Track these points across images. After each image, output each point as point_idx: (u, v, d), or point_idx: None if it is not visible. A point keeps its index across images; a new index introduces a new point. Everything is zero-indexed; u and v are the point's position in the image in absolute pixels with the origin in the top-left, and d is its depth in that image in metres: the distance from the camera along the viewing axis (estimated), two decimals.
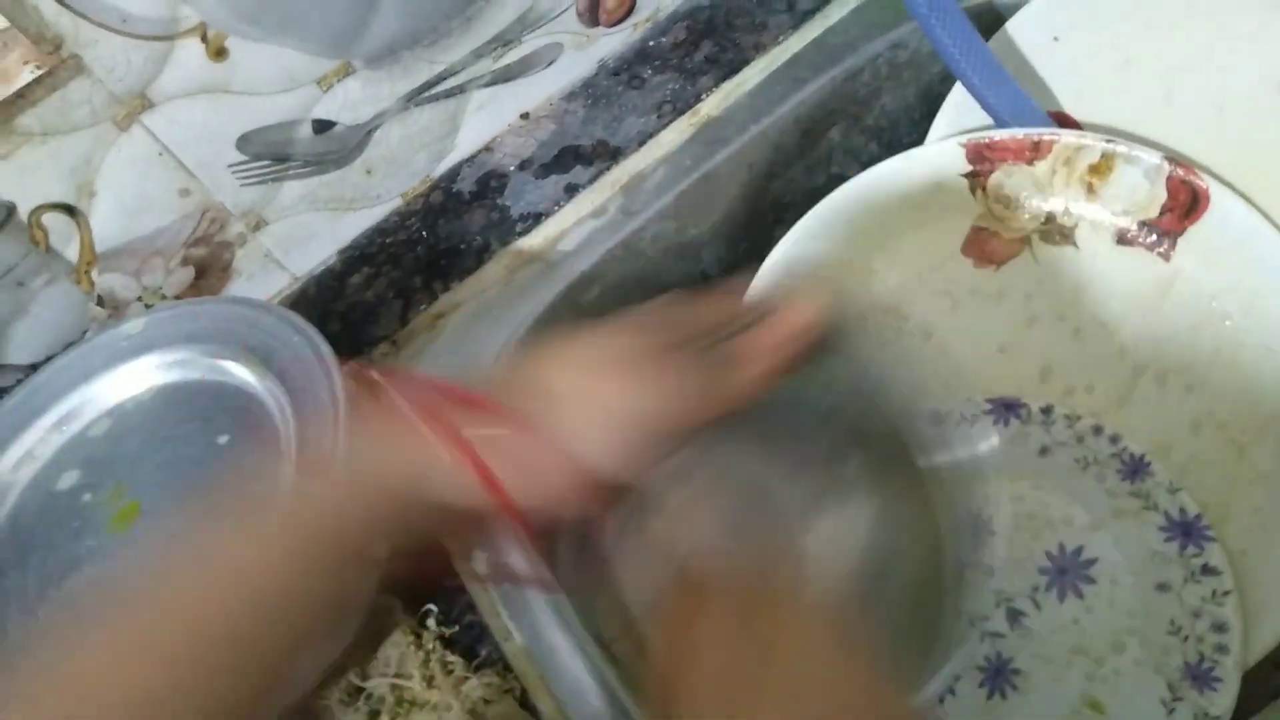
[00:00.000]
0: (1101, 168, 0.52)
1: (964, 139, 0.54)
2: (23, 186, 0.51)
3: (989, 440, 0.52)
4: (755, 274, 0.56)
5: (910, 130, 0.67)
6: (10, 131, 0.48)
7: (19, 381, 0.56)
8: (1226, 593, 0.46)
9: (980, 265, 0.56)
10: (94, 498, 0.47)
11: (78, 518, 0.46)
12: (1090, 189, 0.53)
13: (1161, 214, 0.51)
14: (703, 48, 0.67)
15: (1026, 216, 0.55)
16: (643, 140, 0.64)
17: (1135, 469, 0.50)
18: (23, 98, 0.48)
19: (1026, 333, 0.54)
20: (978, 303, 0.56)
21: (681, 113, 0.64)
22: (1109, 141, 0.51)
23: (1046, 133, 0.52)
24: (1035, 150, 0.53)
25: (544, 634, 0.48)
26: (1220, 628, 0.46)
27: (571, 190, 0.63)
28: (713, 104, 0.64)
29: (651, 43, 0.68)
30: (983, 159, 0.54)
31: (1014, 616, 0.50)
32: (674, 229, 0.63)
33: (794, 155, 0.66)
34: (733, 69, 0.65)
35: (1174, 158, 0.50)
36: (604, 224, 0.62)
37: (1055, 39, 0.56)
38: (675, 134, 0.64)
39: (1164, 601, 0.47)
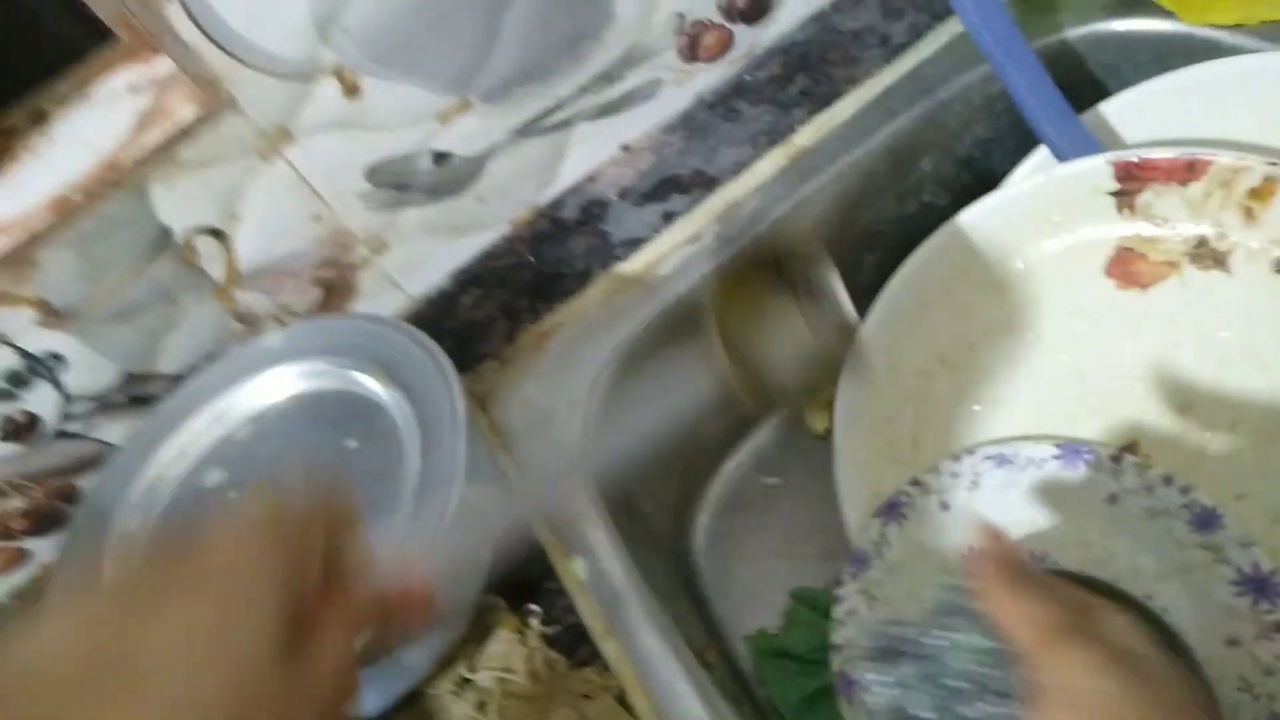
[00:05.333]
0: (1263, 191, 0.49)
1: (1112, 157, 0.52)
2: (178, 212, 0.56)
3: (1056, 485, 0.52)
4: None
5: (1003, 160, 0.68)
6: (171, 163, 0.54)
7: (165, 390, 0.62)
8: None
9: (1124, 287, 0.54)
10: (239, 495, 0.51)
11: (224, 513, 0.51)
12: (1249, 214, 0.50)
13: None
14: (797, 81, 0.69)
15: (1177, 239, 0.53)
16: (738, 170, 0.66)
17: (1206, 520, 0.48)
18: (183, 132, 0.53)
19: (1169, 359, 0.53)
20: (1118, 325, 0.54)
21: (776, 143, 0.67)
22: (1272, 164, 0.48)
23: (1203, 153, 0.50)
24: (1189, 171, 0.50)
25: (639, 638, 0.51)
26: None
27: (669, 218, 0.66)
28: (806, 135, 0.67)
29: (747, 77, 0.71)
30: (1131, 178, 0.52)
31: None
32: None
33: (885, 184, 0.67)
34: (826, 101, 0.67)
35: None
36: (700, 250, 0.65)
37: None
38: (769, 164, 0.66)
39: (1234, 657, 0.46)
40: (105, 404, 0.60)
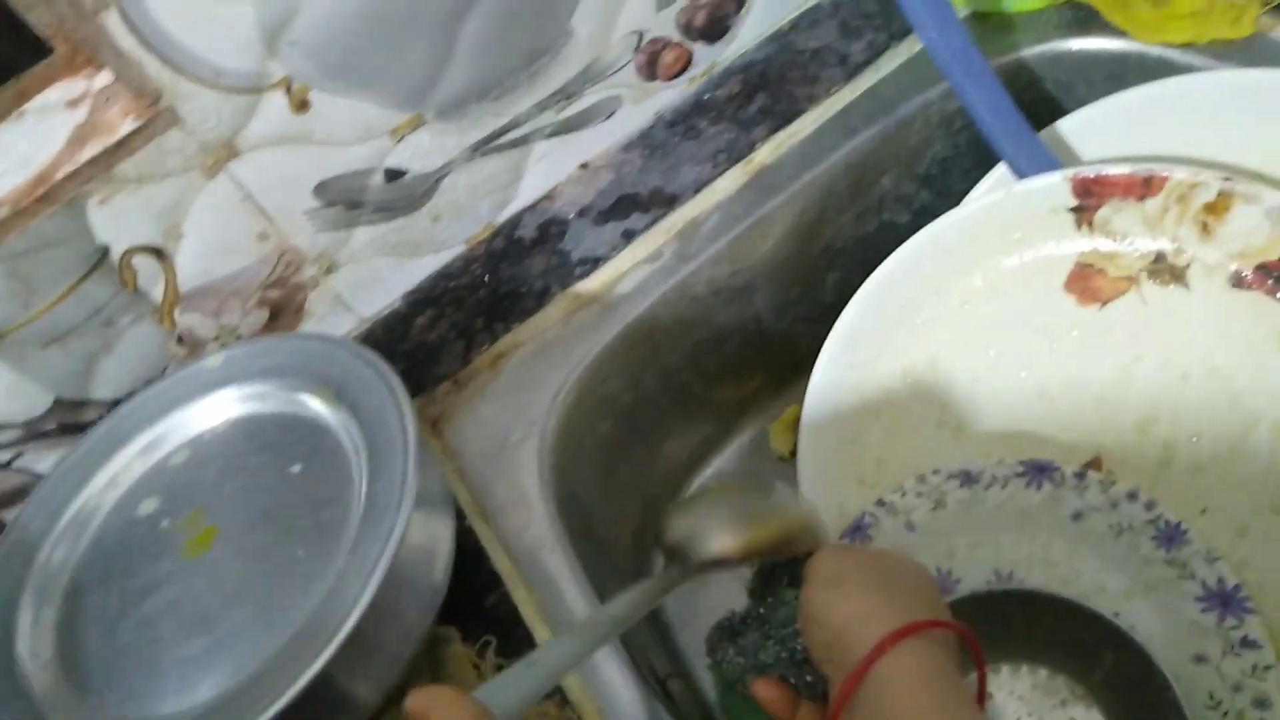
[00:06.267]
0: (1218, 206, 0.49)
1: (1070, 173, 0.52)
2: (117, 229, 0.54)
3: (1020, 502, 0.52)
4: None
5: (962, 178, 0.68)
6: (109, 179, 0.52)
7: (100, 418, 0.59)
8: (1268, 667, 0.44)
9: (1083, 303, 0.54)
10: (172, 524, 0.49)
11: (156, 543, 0.48)
12: (1205, 228, 0.50)
13: None
14: (756, 100, 0.69)
15: (1135, 255, 0.53)
16: (698, 188, 0.66)
17: (1170, 536, 0.48)
18: (122, 147, 0.51)
19: (1129, 375, 0.53)
20: (1078, 341, 0.54)
21: (736, 162, 0.66)
22: (1226, 179, 0.49)
23: (1159, 168, 0.51)
24: (1146, 187, 0.51)
25: (600, 668, 0.49)
26: (1261, 703, 0.43)
27: (629, 236, 0.65)
28: (766, 153, 0.66)
29: (707, 95, 0.70)
30: (1089, 194, 0.52)
31: None
32: (727, 273, 0.65)
33: (845, 202, 0.67)
34: (786, 119, 0.67)
35: None
36: (659, 268, 0.64)
37: None
38: (729, 182, 0.65)
39: (1202, 674, 0.45)
40: (35, 432, 0.57)
